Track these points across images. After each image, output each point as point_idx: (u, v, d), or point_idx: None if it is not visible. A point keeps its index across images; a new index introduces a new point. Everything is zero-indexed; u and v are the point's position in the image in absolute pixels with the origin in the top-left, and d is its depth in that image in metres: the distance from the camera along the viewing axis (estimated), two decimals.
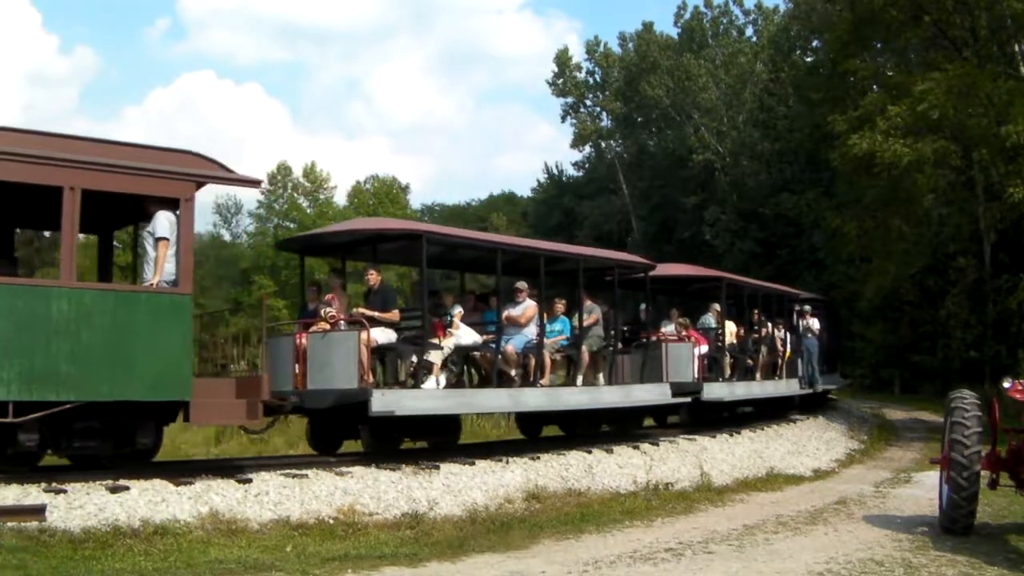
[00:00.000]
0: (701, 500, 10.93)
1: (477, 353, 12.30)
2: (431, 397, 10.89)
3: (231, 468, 9.60)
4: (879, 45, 25.14)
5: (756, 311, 18.46)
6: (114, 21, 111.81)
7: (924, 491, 11.16)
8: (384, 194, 65.85)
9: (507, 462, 11.16)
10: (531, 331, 12.44)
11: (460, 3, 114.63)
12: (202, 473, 9.09)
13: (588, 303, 13.43)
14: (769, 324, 18.93)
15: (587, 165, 59.38)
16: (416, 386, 10.90)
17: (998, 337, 26.84)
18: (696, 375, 14.99)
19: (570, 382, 13.44)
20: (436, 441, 12.05)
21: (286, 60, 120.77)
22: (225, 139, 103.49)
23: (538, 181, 66.55)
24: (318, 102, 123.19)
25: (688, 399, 14.99)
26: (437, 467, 10.41)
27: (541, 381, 12.35)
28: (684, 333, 15.57)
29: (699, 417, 16.74)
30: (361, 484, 9.49)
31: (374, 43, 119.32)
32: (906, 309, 32.15)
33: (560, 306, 13.41)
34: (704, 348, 15.84)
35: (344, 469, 9.86)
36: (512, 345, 12.14)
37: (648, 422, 16.76)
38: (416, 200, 75.94)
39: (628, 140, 55.47)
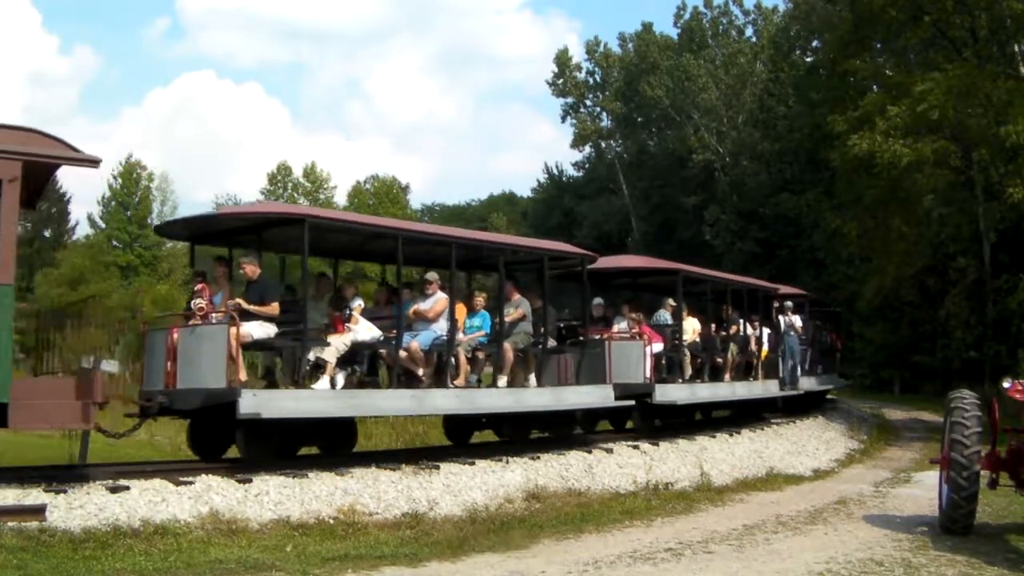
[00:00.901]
0: (701, 500, 10.93)
1: (385, 351, 11.26)
2: (316, 398, 9.93)
3: (231, 468, 9.58)
4: (879, 45, 25.14)
5: (726, 307, 17.39)
6: (114, 21, 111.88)
7: (924, 491, 11.16)
8: (384, 194, 65.80)
9: (507, 462, 11.17)
10: (441, 326, 11.34)
11: (459, 3, 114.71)
12: (202, 473, 9.09)
13: (516, 297, 12.45)
14: (741, 321, 17.59)
15: (587, 165, 59.42)
16: (300, 385, 10.00)
17: (998, 337, 26.87)
18: (647, 376, 13.62)
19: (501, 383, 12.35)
20: (327, 447, 10.92)
21: (286, 60, 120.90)
22: (225, 139, 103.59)
23: (538, 181, 66.68)
24: (318, 102, 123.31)
25: (631, 402, 13.54)
26: (437, 467, 10.42)
27: (454, 382, 11.32)
28: (636, 330, 14.31)
29: (666, 422, 15.54)
30: (361, 484, 9.49)
31: (374, 43, 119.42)
32: (906, 309, 32.18)
33: (480, 300, 12.40)
34: (658, 346, 14.48)
35: (344, 469, 9.86)
36: (418, 342, 11.06)
37: (603, 426, 15.59)
38: (416, 200, 76.00)
39: (628, 140, 55.52)
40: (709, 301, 17.07)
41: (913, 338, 32.68)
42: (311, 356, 10.16)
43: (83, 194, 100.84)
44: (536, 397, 12.32)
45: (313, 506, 8.81)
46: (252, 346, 9.94)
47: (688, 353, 15.24)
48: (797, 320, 19.16)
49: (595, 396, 13.07)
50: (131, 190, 57.65)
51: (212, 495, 8.49)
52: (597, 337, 13.72)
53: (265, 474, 9.29)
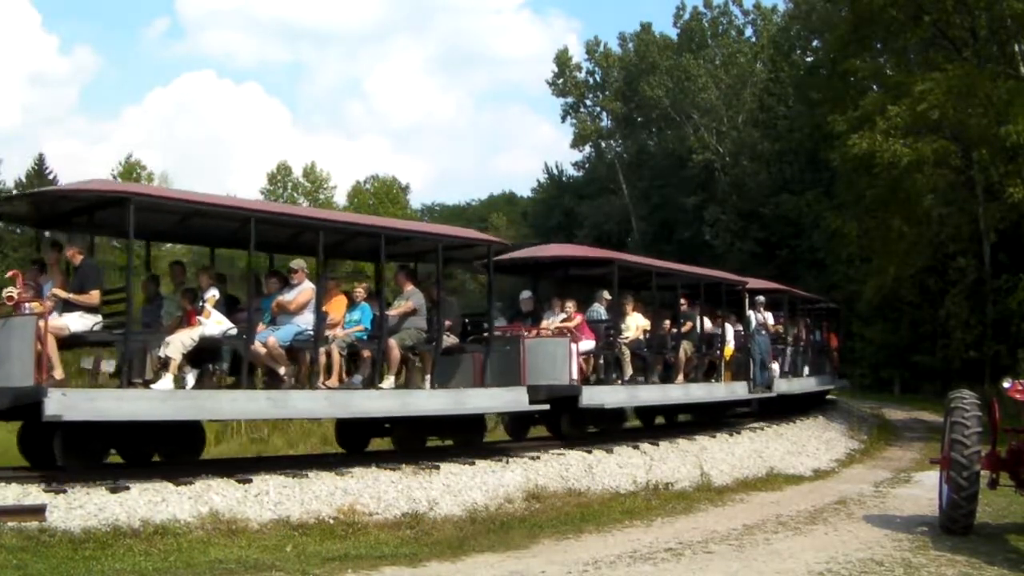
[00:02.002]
0: (701, 500, 10.94)
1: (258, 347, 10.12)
2: (144, 399, 8.84)
3: (231, 468, 9.59)
4: (879, 45, 25.15)
5: (683, 301, 15.76)
6: (114, 21, 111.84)
7: (924, 491, 11.16)
8: (384, 194, 65.86)
9: (507, 462, 11.17)
10: (306, 320, 10.25)
11: (458, 2, 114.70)
12: (202, 473, 9.09)
13: (408, 288, 11.40)
14: (699, 317, 15.80)
15: (587, 165, 59.40)
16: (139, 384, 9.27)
17: (998, 337, 26.87)
18: (574, 376, 12.33)
19: (411, 385, 11.47)
20: (169, 454, 9.90)
21: (285, 60, 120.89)
22: (225, 139, 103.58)
23: (538, 181, 66.67)
24: (318, 102, 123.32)
25: (545, 406, 12.24)
26: (437, 467, 10.42)
27: (325, 382, 10.25)
28: (563, 326, 13.01)
29: (607, 427, 14.39)
30: (361, 484, 9.49)
31: (373, 43, 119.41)
32: (906, 309, 32.17)
33: (361, 291, 11.31)
34: (589, 344, 13.19)
35: (344, 469, 9.87)
36: (276, 337, 9.97)
37: (539, 431, 14.22)
38: (416, 200, 76.03)
39: (628, 140, 55.53)
40: (655, 294, 15.61)
41: (913, 338, 32.67)
42: (161, 353, 9.32)
43: None
44: (429, 400, 11.09)
45: (313, 506, 8.81)
46: (73, 340, 9.12)
47: (628, 352, 13.85)
48: (769, 317, 17.83)
49: (504, 399, 11.78)
50: None
51: (212, 495, 8.49)
52: (508, 335, 12.66)
53: (265, 474, 9.29)
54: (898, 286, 27.83)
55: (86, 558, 6.85)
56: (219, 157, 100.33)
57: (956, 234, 28.06)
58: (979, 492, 8.20)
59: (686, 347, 15.35)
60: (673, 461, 12.96)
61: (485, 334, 12.00)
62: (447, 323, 11.51)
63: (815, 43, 40.70)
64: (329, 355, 10.40)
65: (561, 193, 59.95)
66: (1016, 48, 21.68)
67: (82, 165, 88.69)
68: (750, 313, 17.54)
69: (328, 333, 10.55)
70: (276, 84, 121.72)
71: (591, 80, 56.36)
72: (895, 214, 22.86)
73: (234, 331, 9.80)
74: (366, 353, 10.82)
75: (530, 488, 10.49)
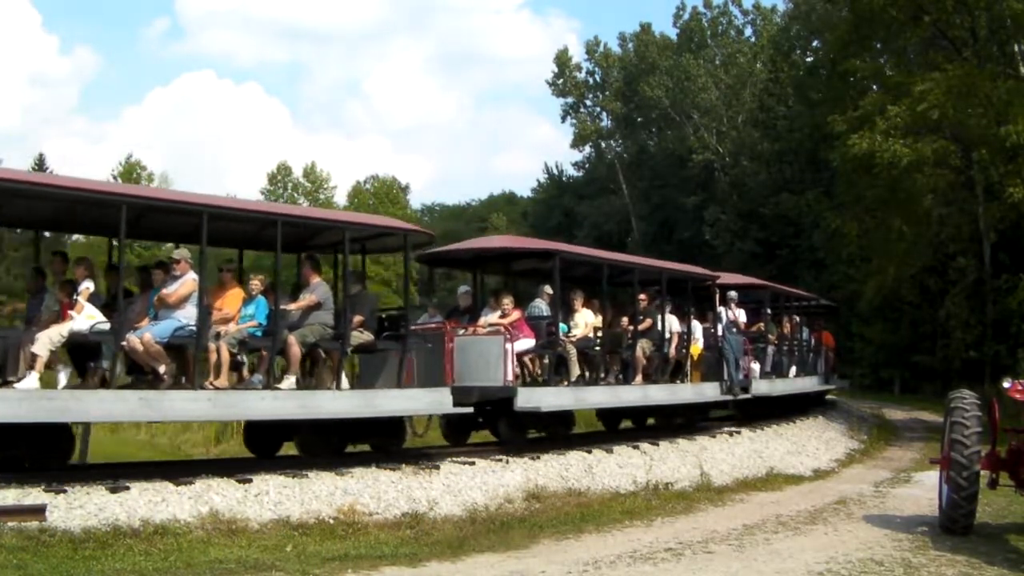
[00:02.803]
0: (701, 500, 10.94)
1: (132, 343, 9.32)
2: (1, 400, 8.26)
3: (231, 468, 9.59)
4: (879, 45, 25.14)
5: (643, 297, 14.61)
6: (114, 21, 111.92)
7: (924, 491, 11.16)
8: (384, 194, 65.84)
9: (507, 462, 11.17)
10: (188, 314, 9.49)
11: (458, 3, 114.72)
12: (202, 473, 9.10)
13: (314, 281, 10.64)
14: (660, 313, 14.66)
15: (587, 165, 59.43)
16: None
17: (998, 337, 26.88)
18: (509, 377, 11.57)
19: (315, 384, 10.68)
20: (32, 457, 9.17)
21: (285, 60, 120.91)
22: (225, 139, 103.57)
23: (538, 181, 66.71)
24: (318, 102, 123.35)
25: (468, 409, 11.47)
26: (437, 467, 10.42)
27: (212, 381, 9.57)
28: (498, 323, 12.22)
29: (549, 431, 13.45)
30: (361, 484, 9.50)
31: (373, 43, 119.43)
32: (906, 309, 32.18)
33: (256, 283, 10.49)
34: (527, 343, 12.35)
35: (344, 469, 9.87)
36: (151, 333, 9.26)
37: (482, 436, 13.59)
38: (416, 200, 76.03)
39: (628, 140, 55.56)
40: (605, 289, 14.30)
41: (913, 338, 32.69)
42: (30, 349, 8.84)
43: None
44: (333, 402, 10.16)
45: (313, 506, 8.82)
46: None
47: (574, 351, 12.96)
48: (741, 313, 16.72)
49: (423, 401, 10.97)
50: None
51: (212, 495, 8.50)
52: (436, 333, 11.94)
53: (265, 474, 9.29)
54: (898, 286, 27.84)
55: (86, 558, 6.85)
56: (219, 157, 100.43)
57: (956, 234, 28.07)
58: (979, 492, 8.20)
59: (644, 346, 14.21)
60: (673, 461, 12.96)
61: (402, 331, 11.02)
62: (358, 319, 10.71)
63: (815, 43, 40.68)
64: (218, 352, 9.65)
65: (561, 193, 59.99)
66: (1016, 48, 21.68)
67: (82, 165, 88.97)
68: (721, 310, 16.55)
69: (219, 329, 9.87)
70: (276, 84, 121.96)
71: (591, 80, 56.46)
72: (895, 214, 22.86)
73: (105, 326, 9.18)
74: (266, 352, 10.08)
75: (530, 488, 10.49)
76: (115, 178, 57.47)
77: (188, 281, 9.60)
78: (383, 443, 11.35)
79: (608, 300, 14.75)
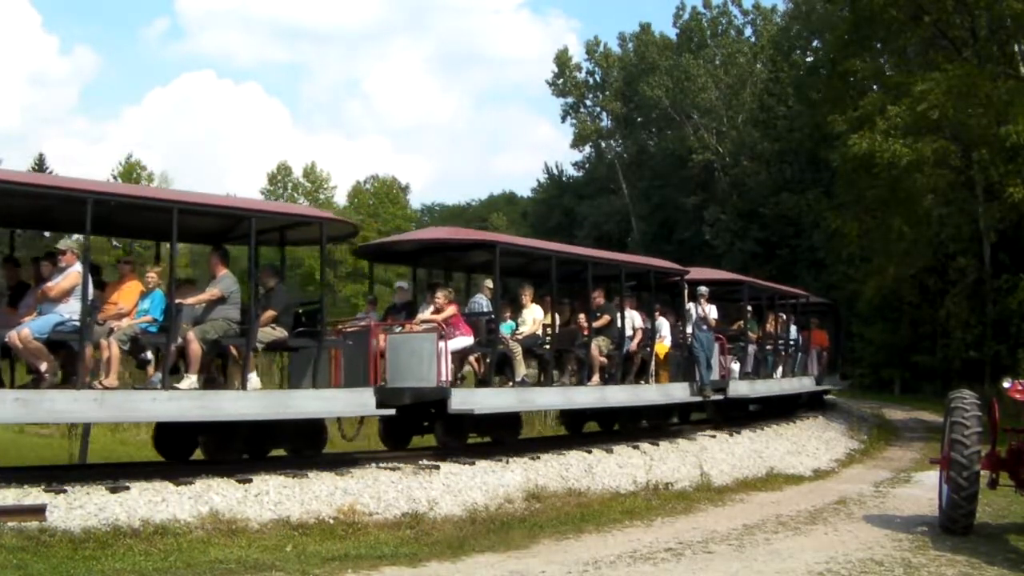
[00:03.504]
0: (701, 500, 10.94)
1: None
2: None
3: (231, 468, 9.58)
4: (879, 45, 25.13)
5: (598, 293, 13.93)
6: (113, 21, 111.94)
7: (924, 491, 11.16)
8: (384, 194, 65.87)
9: (507, 462, 11.17)
10: (72, 308, 8.93)
11: (457, 2, 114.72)
12: (202, 473, 9.09)
13: (221, 273, 9.97)
14: (620, 311, 13.85)
15: (587, 165, 59.44)
16: None
17: (998, 337, 26.88)
18: (444, 377, 10.84)
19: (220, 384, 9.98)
20: None
21: (285, 60, 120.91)
22: (225, 139, 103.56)
23: (538, 181, 66.70)
24: (318, 102, 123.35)
25: (390, 411, 10.76)
26: (437, 467, 10.42)
27: (103, 380, 9.01)
28: (431, 319, 11.52)
29: (495, 435, 12.56)
30: (361, 484, 9.50)
31: (373, 43, 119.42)
32: (906, 309, 32.19)
33: (153, 276, 9.97)
34: (465, 340, 11.61)
35: (344, 469, 9.87)
36: (30, 328, 8.68)
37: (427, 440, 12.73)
38: (416, 200, 76.06)
39: (628, 140, 55.57)
40: (554, 283, 13.19)
41: (913, 338, 32.69)
42: None
43: None
44: (236, 403, 9.43)
45: (313, 506, 8.82)
46: None
47: (519, 349, 12.21)
48: (712, 310, 15.62)
49: (342, 402, 10.36)
50: None
51: (212, 495, 8.50)
52: (352, 329, 11.53)
53: (265, 474, 9.29)
54: (898, 286, 27.86)
55: (86, 558, 6.85)
56: (219, 157, 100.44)
57: (956, 234, 28.07)
58: (979, 492, 8.20)
59: (600, 344, 13.40)
60: (673, 461, 12.96)
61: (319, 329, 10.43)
62: (270, 314, 10.05)
63: (815, 43, 40.72)
64: (109, 349, 9.08)
65: (561, 193, 59.99)
66: (1016, 48, 21.68)
67: (82, 165, 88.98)
68: (690, 306, 15.49)
69: (113, 324, 9.36)
70: (276, 84, 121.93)
71: (591, 80, 56.46)
72: (895, 214, 22.85)
73: None
74: (179, 348, 9.47)
75: (530, 488, 10.49)
76: (115, 178, 57.54)
77: (72, 274, 9.03)
78: (300, 447, 10.65)
79: (569, 296, 14.25)
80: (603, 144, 57.01)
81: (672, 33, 52.33)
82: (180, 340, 9.50)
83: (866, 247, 25.96)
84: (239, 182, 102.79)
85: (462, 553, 7.60)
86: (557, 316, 13.10)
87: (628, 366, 14.18)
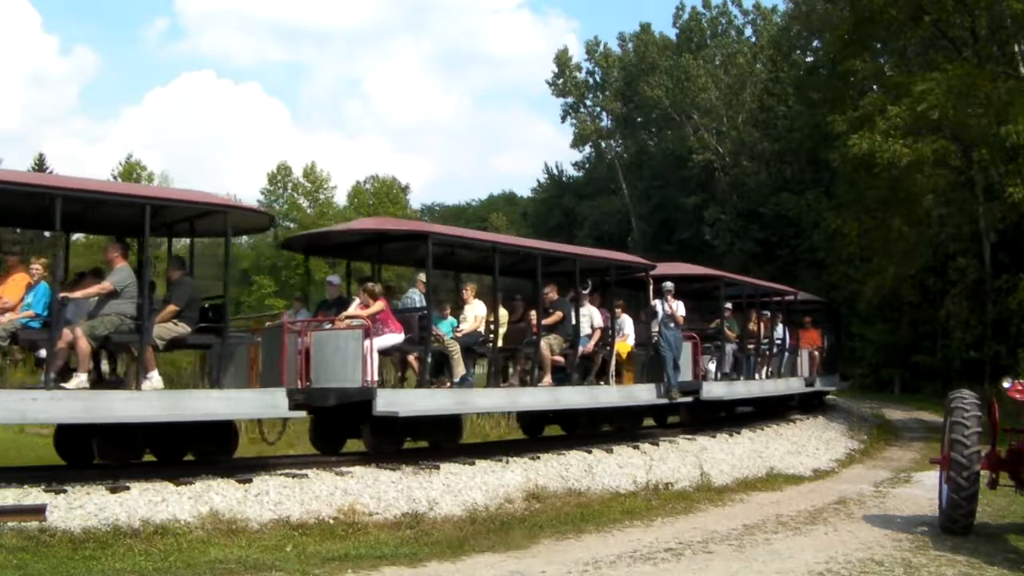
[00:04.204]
0: (701, 500, 10.94)
1: None
2: None
3: (231, 468, 9.59)
4: (879, 45, 25.15)
5: (551, 288, 13.17)
6: (113, 22, 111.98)
7: (924, 491, 11.16)
8: (384, 194, 65.85)
9: (507, 462, 11.17)
10: None
11: (456, 2, 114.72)
12: (202, 473, 9.10)
13: (118, 265, 9.38)
14: (576, 307, 13.14)
15: (587, 165, 59.45)
16: None
17: (998, 337, 26.87)
18: (368, 377, 10.21)
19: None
20: None
21: (285, 60, 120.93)
22: (225, 139, 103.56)
23: (538, 181, 66.67)
24: (317, 102, 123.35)
25: (300, 413, 10.33)
26: (437, 467, 10.42)
27: None
28: (356, 314, 10.95)
29: (432, 439, 11.94)
30: (361, 484, 9.50)
31: (372, 43, 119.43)
32: (906, 309, 32.17)
33: (38, 267, 9.45)
34: (394, 338, 11.00)
35: (344, 469, 9.87)
36: None
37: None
38: (416, 200, 76.02)
39: (628, 140, 55.59)
40: (496, 276, 12.47)
41: (913, 338, 32.69)
42: None
43: None
44: (127, 404, 8.78)
45: (313, 506, 8.82)
46: None
47: (456, 348, 11.63)
48: (679, 307, 14.67)
49: (248, 404, 9.63)
50: None
51: (212, 495, 8.50)
52: (262, 325, 10.91)
53: (265, 474, 9.30)
54: (898, 286, 27.83)
55: (86, 558, 6.85)
56: (219, 157, 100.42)
57: (956, 234, 28.09)
58: (979, 492, 8.20)
59: (552, 342, 12.67)
60: (673, 461, 12.96)
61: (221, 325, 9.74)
62: (171, 308, 9.47)
63: (815, 43, 40.67)
64: None
65: (561, 193, 60.00)
66: (1016, 48, 21.67)
67: (82, 165, 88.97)
68: (656, 303, 14.57)
69: None
70: (276, 84, 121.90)
71: (591, 80, 56.48)
72: (895, 214, 22.86)
73: None
74: (68, 344, 8.83)
75: (530, 488, 10.49)
76: (115, 178, 57.56)
77: None
78: (207, 451, 9.99)
79: (530, 293, 13.59)
80: (603, 144, 57.02)
81: (672, 33, 52.45)
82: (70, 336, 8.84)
83: (866, 247, 25.96)
84: (239, 182, 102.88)
85: (462, 553, 7.60)
86: (505, 312, 12.58)
87: (589, 366, 13.55)
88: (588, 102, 56.45)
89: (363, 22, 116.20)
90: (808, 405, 21.82)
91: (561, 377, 12.97)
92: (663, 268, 16.23)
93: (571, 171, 61.52)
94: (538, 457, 11.66)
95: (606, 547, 7.99)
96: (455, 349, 11.63)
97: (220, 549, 7.39)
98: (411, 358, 11.72)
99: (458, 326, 12.19)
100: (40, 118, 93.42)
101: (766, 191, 43.01)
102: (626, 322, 14.56)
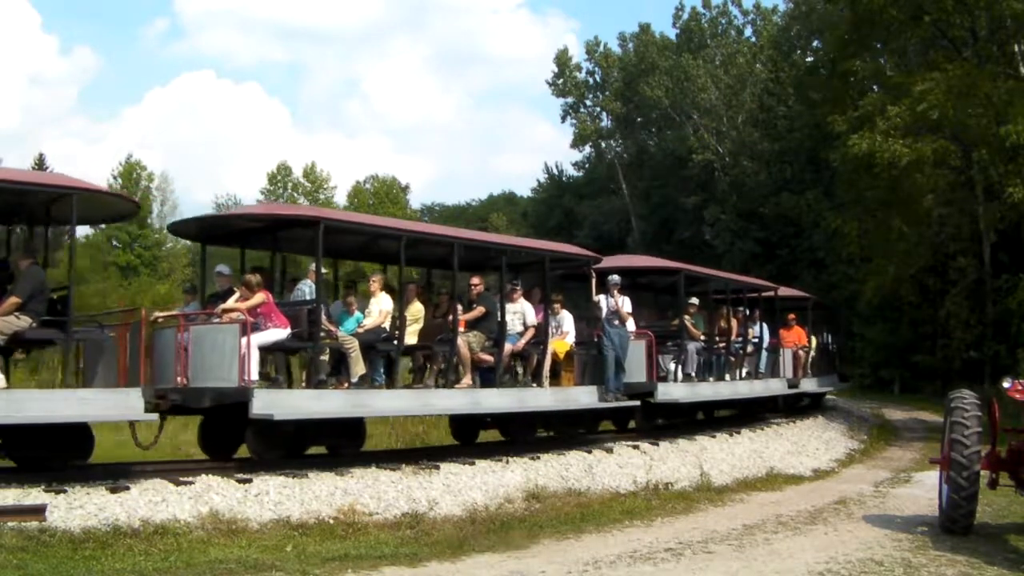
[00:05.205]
0: (701, 500, 10.94)
1: None
2: None
3: (231, 468, 9.59)
4: (879, 45, 25.16)
5: (477, 280, 12.44)
6: (113, 22, 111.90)
7: (924, 491, 11.16)
8: (384, 194, 65.89)
9: (507, 462, 11.18)
10: None
11: (455, 2, 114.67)
12: (202, 473, 9.10)
13: None
14: (502, 302, 12.23)
15: (587, 165, 59.50)
16: None
17: (998, 337, 26.87)
18: (245, 376, 9.37)
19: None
20: None
21: (285, 60, 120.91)
22: (225, 139, 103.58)
23: (538, 181, 66.75)
24: (317, 102, 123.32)
25: (153, 416, 9.13)
26: (437, 467, 10.43)
27: None
28: (234, 307, 10.04)
29: (334, 445, 11.06)
30: (361, 484, 9.50)
31: (372, 43, 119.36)
32: (906, 309, 32.18)
33: None
34: (278, 333, 10.05)
35: (344, 469, 9.87)
36: None
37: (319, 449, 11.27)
38: (416, 200, 76.05)
39: (628, 140, 55.61)
40: (402, 266, 11.69)
41: (913, 338, 32.70)
42: None
43: None
44: None
45: (313, 506, 8.82)
46: None
47: (355, 345, 10.72)
48: (625, 302, 13.57)
49: (97, 405, 8.77)
50: (131, 190, 57.71)
51: (212, 495, 8.50)
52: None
53: (265, 474, 9.30)
54: (898, 286, 27.84)
55: (86, 558, 6.85)
56: (219, 157, 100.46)
57: (956, 234, 28.10)
58: (979, 492, 8.20)
59: (471, 340, 11.84)
60: (673, 461, 12.97)
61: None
62: (13, 300, 8.79)
63: (815, 43, 40.71)
64: None
65: (561, 193, 60.03)
66: (1016, 48, 21.69)
67: (81, 165, 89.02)
68: (600, 298, 13.61)
69: None
70: (276, 84, 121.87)
71: (591, 80, 56.49)
72: (895, 214, 22.88)
73: None
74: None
75: (530, 488, 10.49)
76: (115, 178, 57.61)
77: None
78: (59, 456, 9.05)
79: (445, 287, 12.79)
80: (603, 144, 57.04)
81: (672, 33, 52.46)
82: None
83: (866, 247, 25.97)
84: (239, 182, 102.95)
85: (462, 553, 7.60)
86: (421, 307, 11.91)
87: (526, 367, 12.73)
88: (588, 102, 56.50)
89: (363, 22, 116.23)
90: (794, 407, 20.84)
91: (493, 378, 12.12)
92: (617, 260, 15.45)
93: (571, 171, 61.68)
94: (538, 457, 11.67)
95: (606, 547, 7.98)
96: (353, 346, 10.69)
97: (220, 549, 7.39)
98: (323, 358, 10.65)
99: (363, 320, 11.36)
100: (40, 118, 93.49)
101: (766, 191, 43.03)
102: (565, 319, 13.43)
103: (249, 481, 8.95)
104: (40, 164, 48.30)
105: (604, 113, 55.86)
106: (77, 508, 7.75)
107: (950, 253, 29.30)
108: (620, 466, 12.18)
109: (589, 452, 12.35)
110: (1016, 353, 22.65)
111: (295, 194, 64.54)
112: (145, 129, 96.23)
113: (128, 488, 8.24)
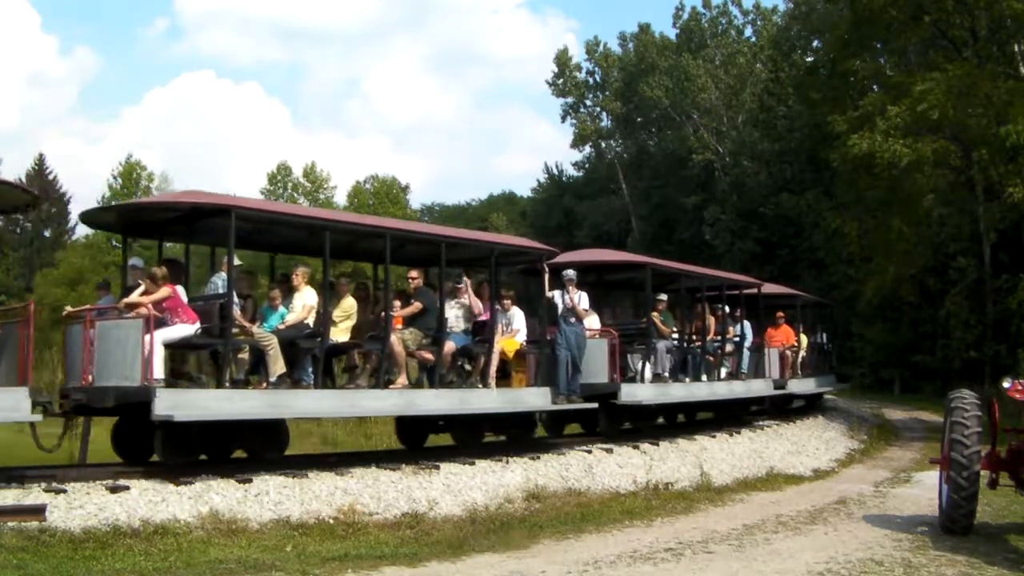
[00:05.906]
0: (701, 500, 10.94)
1: None
2: None
3: (231, 468, 9.58)
4: (879, 45, 25.15)
5: (416, 274, 11.83)
6: (113, 22, 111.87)
7: (924, 491, 11.16)
8: (384, 194, 65.82)
9: (507, 462, 11.18)
10: None
11: (455, 2, 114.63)
12: (202, 473, 9.09)
13: None
14: (441, 298, 11.63)
15: (587, 165, 59.46)
16: None
17: (998, 337, 26.87)
18: (150, 374, 8.82)
19: None
20: None
21: (284, 60, 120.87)
22: (225, 139, 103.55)
23: (538, 181, 66.71)
24: (317, 102, 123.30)
25: (37, 417, 8.56)
26: (437, 467, 10.43)
27: None
28: (137, 301, 9.57)
29: (253, 450, 10.29)
30: (361, 484, 9.50)
31: (371, 43, 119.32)
32: (906, 309, 32.17)
33: None
34: (184, 329, 9.53)
35: (344, 469, 9.87)
36: None
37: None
38: (416, 200, 75.99)
39: (628, 140, 55.60)
40: (327, 259, 10.88)
41: (913, 338, 32.68)
42: None
43: (83, 194, 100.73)
44: None
45: (313, 506, 8.82)
46: None
47: (274, 341, 10.04)
48: (582, 298, 12.91)
49: None
50: (131, 190, 57.63)
51: (212, 495, 8.50)
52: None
53: (265, 474, 9.29)
54: (898, 286, 27.83)
55: (86, 558, 6.85)
56: (219, 157, 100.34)
57: (956, 234, 28.08)
58: (979, 492, 8.21)
59: (407, 338, 11.23)
60: (673, 461, 12.97)
61: None
62: None
63: (815, 43, 40.67)
64: None
65: (561, 193, 60.01)
66: (1016, 48, 21.67)
67: (81, 165, 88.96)
68: (554, 294, 12.88)
69: None
70: (276, 84, 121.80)
71: (591, 80, 56.46)
72: (895, 214, 22.84)
73: None
74: None
75: (530, 488, 10.49)
76: (115, 178, 57.57)
77: None
78: None
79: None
80: (603, 144, 57.02)
81: (672, 33, 52.42)
82: None
83: (866, 247, 25.93)
84: (239, 182, 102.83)
85: (462, 553, 7.60)
86: (354, 302, 11.11)
87: (474, 366, 12.00)
88: (588, 102, 56.48)
89: (362, 22, 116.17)
90: (782, 409, 20.07)
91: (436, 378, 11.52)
92: (577, 254, 14.74)
93: (571, 171, 61.61)
94: (538, 457, 11.68)
95: (606, 547, 7.99)
96: (271, 343, 10.01)
97: (220, 549, 7.40)
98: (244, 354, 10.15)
99: (282, 316, 10.70)
100: (40, 118, 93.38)
101: (766, 191, 43.01)
102: (516, 316, 12.57)
103: (249, 481, 8.95)
104: (40, 164, 48.29)
105: (604, 113, 55.86)
106: (77, 508, 7.75)
107: (950, 253, 29.29)
108: (620, 466, 12.19)
109: (589, 452, 12.36)
110: (1016, 353, 22.64)
111: (295, 194, 64.46)
112: (145, 129, 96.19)
113: (128, 488, 8.24)
